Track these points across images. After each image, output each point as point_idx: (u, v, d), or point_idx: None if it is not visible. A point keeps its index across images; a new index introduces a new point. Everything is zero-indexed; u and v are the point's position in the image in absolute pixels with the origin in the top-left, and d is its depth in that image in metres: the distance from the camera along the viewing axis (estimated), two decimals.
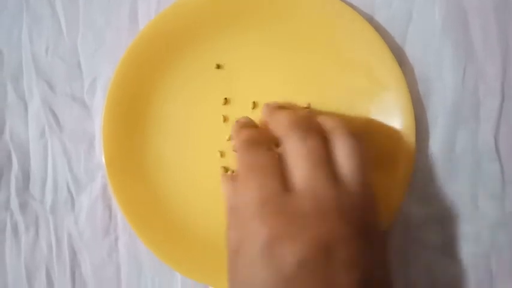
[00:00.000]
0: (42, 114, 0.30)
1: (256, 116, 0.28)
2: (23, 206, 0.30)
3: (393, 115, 0.27)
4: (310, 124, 0.23)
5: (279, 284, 0.19)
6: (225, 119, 0.28)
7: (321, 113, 0.27)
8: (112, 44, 0.29)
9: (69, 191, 0.30)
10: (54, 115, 0.30)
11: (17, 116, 0.30)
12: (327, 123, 0.23)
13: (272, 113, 0.25)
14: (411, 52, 0.28)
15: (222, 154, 0.28)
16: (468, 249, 0.28)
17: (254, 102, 0.28)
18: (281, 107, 0.26)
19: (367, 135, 0.27)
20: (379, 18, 0.28)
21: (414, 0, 0.28)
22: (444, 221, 0.28)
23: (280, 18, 0.28)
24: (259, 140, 0.23)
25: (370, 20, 0.27)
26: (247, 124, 0.25)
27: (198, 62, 0.28)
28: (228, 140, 0.28)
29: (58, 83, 0.30)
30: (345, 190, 0.21)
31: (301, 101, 0.28)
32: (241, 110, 0.28)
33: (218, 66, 0.28)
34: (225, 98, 0.28)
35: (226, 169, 0.28)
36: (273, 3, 0.27)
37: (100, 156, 0.30)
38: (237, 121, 0.26)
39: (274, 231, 0.19)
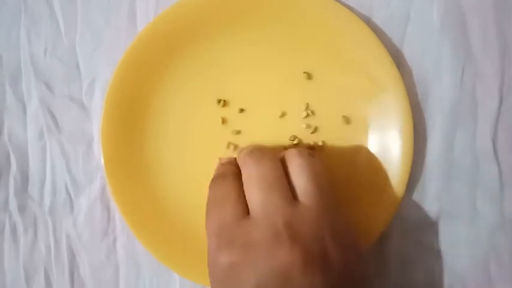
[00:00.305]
0: (41, 115, 0.30)
1: (255, 117, 0.28)
2: (22, 208, 0.30)
3: (391, 117, 0.27)
4: (264, 151, 0.23)
5: None
6: (224, 121, 0.28)
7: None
8: (110, 45, 0.29)
9: (68, 193, 0.30)
10: (53, 116, 0.30)
11: (16, 118, 0.30)
12: (286, 151, 0.24)
13: (239, 150, 0.26)
14: (409, 53, 0.28)
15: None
16: (467, 252, 0.28)
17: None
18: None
19: (364, 139, 0.28)
20: (377, 19, 0.28)
21: (412, 2, 0.28)
22: (443, 223, 0.28)
23: (279, 19, 0.28)
24: (225, 173, 0.24)
25: (368, 22, 0.28)
26: (228, 162, 0.26)
27: (197, 64, 0.28)
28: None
29: (56, 84, 0.30)
30: (301, 210, 0.21)
31: (299, 101, 0.28)
32: (240, 112, 0.28)
33: (217, 68, 0.28)
34: (224, 100, 0.28)
35: None
36: (271, 5, 0.27)
37: (99, 158, 0.30)
38: (220, 159, 0.27)
39: (231, 260, 0.20)
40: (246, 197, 0.22)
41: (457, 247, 0.28)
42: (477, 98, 0.28)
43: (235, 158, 0.26)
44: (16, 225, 0.30)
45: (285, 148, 0.27)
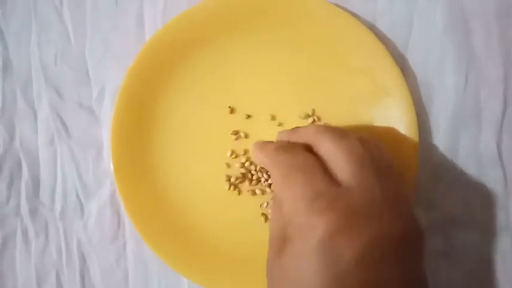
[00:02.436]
0: (51, 121, 0.30)
1: (261, 122, 0.28)
2: (33, 212, 0.31)
3: (396, 121, 0.27)
4: (336, 129, 0.23)
5: (334, 279, 0.18)
6: (231, 127, 0.29)
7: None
8: (119, 52, 0.30)
9: (78, 198, 0.30)
10: (63, 122, 0.30)
11: (27, 124, 0.31)
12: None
13: (293, 131, 0.24)
14: (413, 58, 0.28)
15: (228, 165, 0.29)
16: (472, 255, 0.28)
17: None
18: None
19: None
20: (381, 25, 0.28)
21: (415, 7, 0.28)
22: (448, 226, 0.28)
23: (285, 26, 0.28)
24: (293, 145, 0.23)
25: (372, 28, 0.28)
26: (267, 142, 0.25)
27: (204, 70, 0.29)
28: (235, 139, 0.29)
29: (66, 91, 0.30)
30: (388, 186, 0.21)
31: (305, 106, 0.28)
32: (246, 118, 0.29)
33: (224, 74, 0.29)
34: (231, 106, 0.28)
35: (229, 177, 0.29)
36: (277, 12, 0.28)
37: (108, 163, 0.30)
38: (256, 142, 0.25)
39: (330, 226, 0.19)
40: (332, 168, 0.21)
41: (462, 251, 0.28)
42: (481, 102, 0.28)
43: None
44: (28, 229, 0.31)
45: None
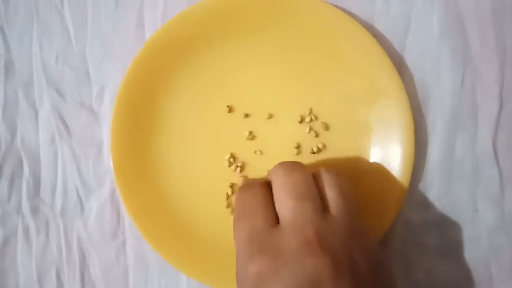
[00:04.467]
0: (52, 120, 0.31)
1: (259, 122, 0.29)
2: (34, 210, 0.31)
3: (393, 122, 0.27)
4: (296, 163, 0.24)
5: None
6: (229, 126, 0.29)
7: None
8: (119, 52, 0.30)
9: (79, 196, 0.31)
10: (64, 122, 0.31)
11: (28, 123, 0.31)
12: (317, 167, 0.24)
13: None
14: (410, 59, 0.28)
15: (230, 163, 0.29)
16: (468, 253, 0.28)
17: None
18: None
19: (366, 143, 0.28)
20: (379, 26, 0.29)
21: (413, 8, 0.28)
22: (444, 224, 0.28)
23: (282, 26, 0.28)
24: (252, 182, 0.24)
25: (370, 28, 0.28)
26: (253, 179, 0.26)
27: (204, 69, 0.29)
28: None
29: (67, 91, 0.31)
30: (331, 221, 0.21)
31: (302, 106, 0.29)
32: (245, 117, 0.29)
33: (223, 74, 0.29)
34: (230, 106, 0.29)
35: (229, 175, 0.29)
36: (276, 13, 0.28)
37: (108, 162, 0.30)
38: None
39: (260, 268, 0.20)
40: (276, 206, 0.22)
41: (458, 248, 0.28)
42: (477, 101, 0.28)
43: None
44: (29, 227, 0.31)
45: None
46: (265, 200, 0.22)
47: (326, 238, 0.20)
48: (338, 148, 0.29)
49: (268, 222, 0.21)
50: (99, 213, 0.30)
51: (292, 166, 0.23)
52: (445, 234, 0.28)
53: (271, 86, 0.29)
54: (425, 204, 0.28)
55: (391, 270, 0.28)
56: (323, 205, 0.22)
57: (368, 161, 0.28)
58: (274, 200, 0.22)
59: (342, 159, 0.28)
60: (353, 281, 0.19)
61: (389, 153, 0.28)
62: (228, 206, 0.29)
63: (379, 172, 0.28)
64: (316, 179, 0.23)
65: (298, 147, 0.29)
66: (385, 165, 0.28)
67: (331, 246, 0.20)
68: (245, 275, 0.20)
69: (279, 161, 0.24)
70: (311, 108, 0.29)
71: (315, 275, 0.19)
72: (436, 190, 0.28)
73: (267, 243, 0.20)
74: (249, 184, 0.24)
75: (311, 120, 0.28)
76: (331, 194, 0.22)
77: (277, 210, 0.22)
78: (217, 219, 0.29)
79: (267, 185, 0.23)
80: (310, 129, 0.28)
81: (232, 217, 0.28)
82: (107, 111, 0.30)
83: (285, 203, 0.21)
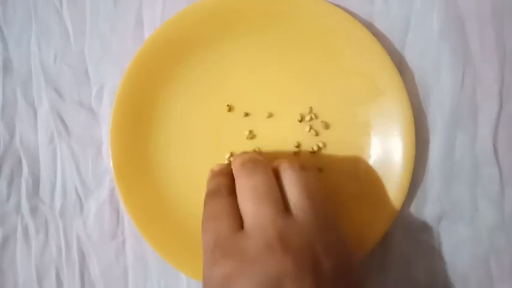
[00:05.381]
0: (51, 120, 0.31)
1: (259, 121, 0.29)
2: (33, 210, 0.31)
3: (393, 120, 0.27)
4: (257, 162, 0.24)
5: None
6: (229, 125, 0.29)
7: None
8: (118, 52, 0.30)
9: (78, 195, 0.31)
10: (63, 121, 0.31)
11: (27, 122, 0.31)
12: (277, 161, 0.24)
13: (234, 158, 0.25)
14: (410, 58, 0.28)
15: (228, 161, 0.29)
16: (468, 251, 0.28)
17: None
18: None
19: (366, 140, 0.28)
20: (379, 25, 0.29)
21: (413, 7, 0.28)
22: (444, 224, 0.28)
23: (282, 25, 0.28)
24: (218, 188, 0.24)
25: (370, 27, 0.28)
26: (220, 172, 0.26)
27: (203, 69, 0.29)
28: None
29: (66, 90, 0.31)
30: (292, 222, 0.21)
31: (302, 104, 0.28)
32: (245, 116, 0.29)
33: (222, 73, 0.29)
34: (229, 105, 0.29)
35: None
36: (275, 11, 0.28)
37: (107, 161, 0.30)
38: (211, 169, 0.26)
39: (225, 271, 0.20)
40: (240, 209, 0.22)
41: (458, 247, 0.28)
42: (477, 101, 0.28)
43: (228, 165, 0.26)
44: (28, 227, 0.31)
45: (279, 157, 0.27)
46: (230, 206, 0.23)
47: (288, 238, 0.20)
48: (338, 147, 0.28)
49: (233, 227, 0.21)
50: (99, 212, 0.30)
51: (253, 167, 0.23)
52: (445, 233, 0.28)
53: (271, 84, 0.29)
54: (425, 203, 0.29)
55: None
56: (286, 204, 0.22)
57: (368, 160, 0.28)
58: (238, 203, 0.23)
59: (342, 158, 0.28)
60: (315, 279, 0.19)
61: (389, 152, 0.28)
62: None
63: (379, 171, 0.28)
64: (278, 176, 0.23)
65: (298, 146, 0.29)
66: (385, 164, 0.28)
67: (292, 245, 0.20)
68: (211, 279, 0.21)
69: (242, 156, 0.24)
70: (311, 107, 0.28)
71: (277, 275, 0.19)
72: (436, 190, 0.28)
73: (231, 248, 0.21)
74: (214, 190, 0.24)
75: (311, 119, 0.28)
76: (292, 192, 0.22)
77: (241, 213, 0.22)
78: None
79: (232, 187, 0.23)
80: (310, 128, 0.28)
81: None
82: (106, 110, 0.30)
83: (246, 206, 0.22)
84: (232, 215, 0.22)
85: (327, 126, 0.28)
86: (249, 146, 0.29)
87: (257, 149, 0.29)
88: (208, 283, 0.21)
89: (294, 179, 0.23)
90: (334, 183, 0.28)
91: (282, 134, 0.29)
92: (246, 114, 0.29)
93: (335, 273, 0.20)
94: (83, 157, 0.31)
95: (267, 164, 0.24)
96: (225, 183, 0.24)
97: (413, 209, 0.29)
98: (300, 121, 0.28)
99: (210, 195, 0.24)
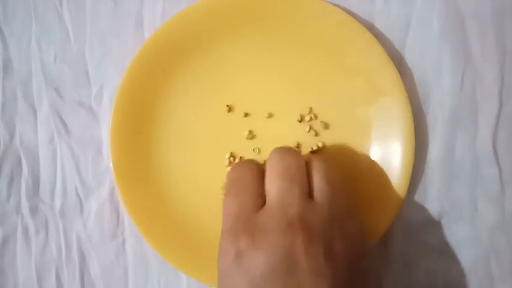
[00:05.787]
0: (51, 120, 0.31)
1: (259, 121, 0.29)
2: (33, 210, 0.31)
3: (393, 120, 0.27)
4: (292, 149, 0.25)
5: None
6: (229, 125, 0.29)
7: None
8: (118, 52, 0.30)
9: (78, 195, 0.31)
10: (63, 121, 0.31)
11: (27, 122, 0.31)
12: (309, 155, 0.25)
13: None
14: (410, 58, 0.28)
15: (230, 162, 0.29)
16: (468, 252, 0.28)
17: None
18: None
19: (366, 140, 0.28)
20: (379, 25, 0.29)
21: (413, 8, 0.28)
22: (444, 224, 0.28)
23: (282, 25, 0.28)
24: (248, 160, 0.25)
25: (370, 28, 0.28)
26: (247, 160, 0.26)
27: (203, 69, 0.29)
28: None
29: (66, 90, 0.31)
30: (315, 207, 0.22)
31: (302, 105, 0.28)
32: (246, 116, 0.29)
33: (222, 73, 0.29)
34: (229, 105, 0.29)
35: None
36: (276, 12, 0.28)
37: (108, 162, 0.30)
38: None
39: (241, 245, 0.21)
40: (266, 186, 0.23)
41: (459, 247, 0.28)
42: (477, 101, 0.28)
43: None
44: (28, 227, 0.31)
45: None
46: (256, 180, 0.23)
47: (308, 219, 0.21)
48: (338, 147, 0.28)
49: (256, 202, 0.22)
50: (99, 213, 0.30)
51: (287, 151, 0.24)
52: (445, 233, 0.28)
53: (271, 85, 0.29)
54: (425, 203, 0.29)
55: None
56: (309, 191, 0.22)
57: (368, 160, 0.28)
58: (265, 181, 0.23)
59: (341, 158, 0.28)
60: (327, 258, 0.20)
61: (389, 152, 0.28)
62: None
63: (379, 171, 0.28)
64: (307, 166, 0.23)
65: (298, 146, 0.29)
66: (385, 164, 0.28)
67: (311, 225, 0.21)
68: (226, 250, 0.21)
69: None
70: (311, 107, 0.28)
71: (292, 249, 0.20)
72: (436, 190, 0.28)
73: (251, 223, 0.21)
74: (244, 162, 0.25)
75: (311, 119, 0.28)
76: (317, 180, 0.23)
77: (266, 190, 0.23)
78: (217, 218, 0.28)
79: (261, 167, 0.24)
80: (310, 128, 0.28)
81: None
82: (106, 110, 0.30)
83: (274, 183, 0.22)
84: (257, 189, 0.23)
85: (326, 126, 0.28)
86: (249, 146, 0.29)
87: (257, 149, 0.29)
88: (224, 252, 0.21)
89: (321, 168, 0.23)
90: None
91: (282, 134, 0.29)
92: (246, 115, 0.29)
93: (347, 258, 0.21)
94: (83, 157, 0.31)
95: (301, 153, 0.25)
96: (254, 161, 0.25)
97: (413, 208, 0.29)
98: (300, 121, 0.28)
99: (239, 164, 0.25)
